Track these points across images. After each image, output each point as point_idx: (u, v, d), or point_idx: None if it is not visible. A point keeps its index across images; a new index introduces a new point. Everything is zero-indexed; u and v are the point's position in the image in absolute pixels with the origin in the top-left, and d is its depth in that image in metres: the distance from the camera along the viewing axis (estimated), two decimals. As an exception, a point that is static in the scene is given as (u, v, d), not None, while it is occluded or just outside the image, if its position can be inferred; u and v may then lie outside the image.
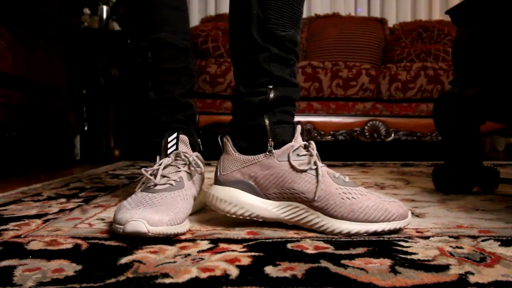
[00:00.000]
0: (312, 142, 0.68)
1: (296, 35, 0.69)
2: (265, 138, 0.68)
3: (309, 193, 0.65)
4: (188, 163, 0.75)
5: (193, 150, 0.82)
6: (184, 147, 0.77)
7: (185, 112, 0.83)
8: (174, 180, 0.70)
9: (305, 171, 0.65)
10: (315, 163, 0.66)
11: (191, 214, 0.73)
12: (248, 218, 0.67)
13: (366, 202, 0.63)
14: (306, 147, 0.68)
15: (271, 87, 0.68)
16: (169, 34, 0.81)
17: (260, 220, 0.68)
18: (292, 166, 0.65)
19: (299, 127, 0.69)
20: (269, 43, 0.67)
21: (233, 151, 0.69)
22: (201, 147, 0.87)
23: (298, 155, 0.66)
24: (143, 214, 0.58)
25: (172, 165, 0.73)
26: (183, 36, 0.83)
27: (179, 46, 0.82)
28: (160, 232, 0.58)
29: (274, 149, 0.67)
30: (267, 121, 0.68)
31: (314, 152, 0.67)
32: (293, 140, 0.67)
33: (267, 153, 0.66)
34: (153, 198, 0.64)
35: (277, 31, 0.67)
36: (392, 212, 0.63)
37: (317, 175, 0.65)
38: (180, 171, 0.73)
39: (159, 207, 0.61)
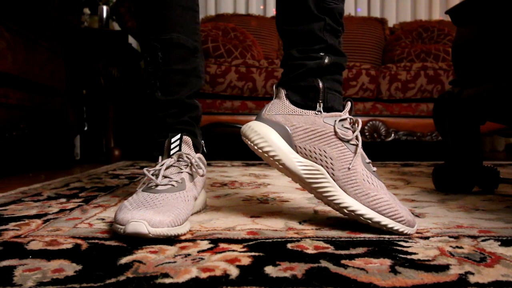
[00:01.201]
0: (359, 121, 0.70)
1: (343, 8, 0.74)
2: (316, 98, 0.71)
3: (337, 161, 0.66)
4: (190, 164, 0.75)
5: (196, 151, 0.82)
6: (187, 148, 0.77)
7: (191, 114, 0.84)
8: (176, 181, 0.70)
9: (344, 141, 0.68)
10: (357, 138, 0.69)
11: (191, 215, 0.73)
12: (269, 157, 0.69)
13: (381, 194, 0.65)
14: (352, 123, 0.70)
15: (325, 53, 0.72)
16: (180, 34, 0.81)
17: (280, 166, 0.69)
18: (335, 132, 0.68)
19: (349, 104, 0.72)
20: (323, 14, 0.71)
21: (284, 98, 0.72)
22: (204, 148, 0.87)
23: (343, 125, 0.69)
24: (144, 215, 0.58)
25: (174, 166, 0.73)
26: (193, 37, 0.83)
27: (189, 47, 0.82)
28: (160, 233, 0.58)
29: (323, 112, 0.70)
30: (321, 84, 0.71)
31: (358, 130, 0.69)
32: (343, 112, 0.70)
33: (317, 112, 0.70)
34: (154, 198, 0.64)
35: (331, 4, 0.71)
36: (401, 215, 0.63)
37: (356, 149, 0.68)
38: (182, 172, 0.73)
39: (160, 208, 0.61)
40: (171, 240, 0.60)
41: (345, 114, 0.70)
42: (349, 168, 0.66)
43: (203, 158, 0.81)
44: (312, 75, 0.72)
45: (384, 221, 0.63)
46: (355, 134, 0.69)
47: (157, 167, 0.72)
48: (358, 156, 0.67)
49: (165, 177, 0.71)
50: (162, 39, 0.81)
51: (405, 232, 0.63)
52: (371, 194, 0.64)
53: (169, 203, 0.64)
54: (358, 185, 0.65)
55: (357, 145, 0.68)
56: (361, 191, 0.65)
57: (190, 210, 0.68)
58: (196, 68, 0.84)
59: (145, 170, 0.71)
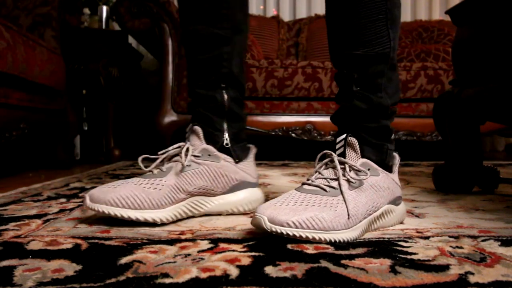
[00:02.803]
0: None
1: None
2: None
3: None
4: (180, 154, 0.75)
5: (209, 142, 0.79)
6: (196, 139, 0.77)
7: (206, 105, 0.81)
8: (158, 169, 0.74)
9: None
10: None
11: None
12: None
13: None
14: None
15: None
16: (203, 25, 0.80)
17: None
18: None
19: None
20: None
21: None
22: (226, 141, 0.82)
23: None
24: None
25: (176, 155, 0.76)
26: (218, 25, 0.81)
27: (215, 35, 0.81)
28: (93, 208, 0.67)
29: None
30: None
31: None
32: None
33: None
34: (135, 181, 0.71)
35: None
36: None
37: None
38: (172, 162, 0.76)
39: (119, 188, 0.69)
40: (171, 240, 0.60)
41: None
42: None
43: (208, 149, 0.77)
44: None
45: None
46: None
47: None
48: None
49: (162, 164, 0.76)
50: (186, 31, 0.82)
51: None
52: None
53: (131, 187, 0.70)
54: None
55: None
56: None
57: (153, 197, 0.70)
58: (217, 57, 0.81)
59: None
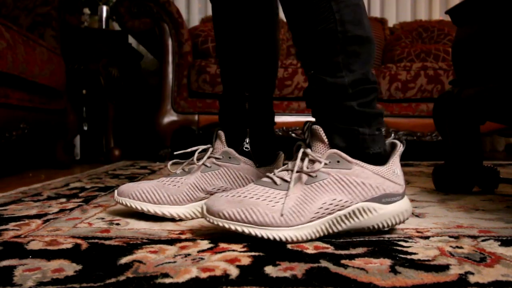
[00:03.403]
0: None
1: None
2: None
3: None
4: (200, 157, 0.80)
5: (231, 146, 0.81)
6: (219, 142, 0.81)
7: (229, 112, 0.86)
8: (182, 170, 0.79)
9: None
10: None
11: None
12: None
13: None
14: None
15: None
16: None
17: None
18: None
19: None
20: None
21: None
22: (246, 145, 0.84)
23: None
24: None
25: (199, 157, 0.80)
26: (243, 37, 0.84)
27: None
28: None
29: None
30: None
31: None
32: None
33: None
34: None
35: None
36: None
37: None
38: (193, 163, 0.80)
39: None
40: (171, 240, 0.60)
41: None
42: None
43: (228, 152, 0.80)
44: None
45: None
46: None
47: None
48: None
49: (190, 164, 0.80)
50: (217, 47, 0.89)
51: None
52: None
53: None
54: None
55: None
56: None
57: (170, 193, 0.74)
58: (238, 68, 0.86)
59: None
